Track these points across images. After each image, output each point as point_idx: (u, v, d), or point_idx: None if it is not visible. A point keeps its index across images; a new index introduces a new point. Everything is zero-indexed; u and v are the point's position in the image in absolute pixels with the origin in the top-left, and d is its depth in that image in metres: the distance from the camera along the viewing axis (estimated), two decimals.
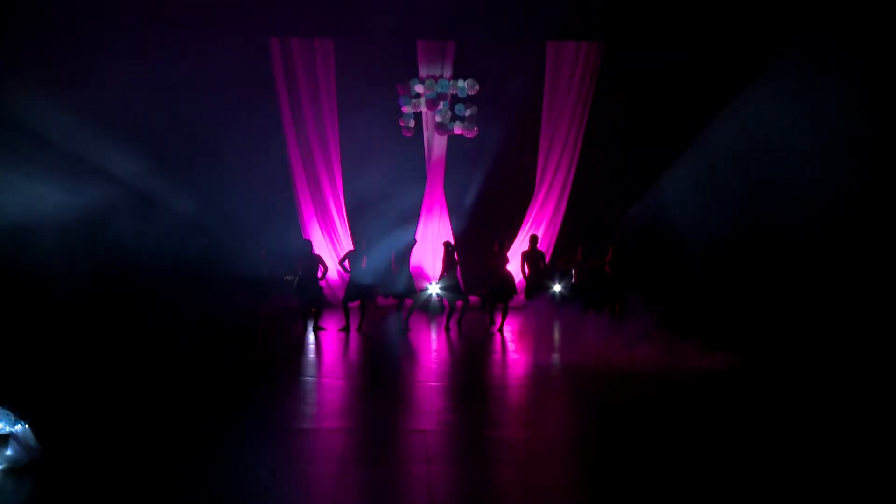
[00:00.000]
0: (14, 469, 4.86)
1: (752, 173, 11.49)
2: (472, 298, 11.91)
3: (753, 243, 11.55)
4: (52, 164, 10.32)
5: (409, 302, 11.13)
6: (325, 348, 9.78)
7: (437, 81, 13.34)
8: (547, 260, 12.14)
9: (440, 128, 13.50)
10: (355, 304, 10.77)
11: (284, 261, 11.55)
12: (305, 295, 10.73)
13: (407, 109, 13.51)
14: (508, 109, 13.77)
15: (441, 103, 13.40)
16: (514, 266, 12.09)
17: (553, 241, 13.67)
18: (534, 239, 11.54)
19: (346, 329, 10.71)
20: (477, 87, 13.42)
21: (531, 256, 11.33)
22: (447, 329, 10.82)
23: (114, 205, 10.70)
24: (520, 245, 13.61)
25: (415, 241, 11.53)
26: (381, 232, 12.75)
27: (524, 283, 11.72)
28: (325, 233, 13.48)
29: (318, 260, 10.89)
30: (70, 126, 10.43)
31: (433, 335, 10.75)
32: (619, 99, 13.36)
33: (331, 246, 13.45)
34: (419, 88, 13.40)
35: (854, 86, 10.51)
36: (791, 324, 10.16)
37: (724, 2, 12.04)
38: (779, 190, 11.12)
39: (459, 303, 10.91)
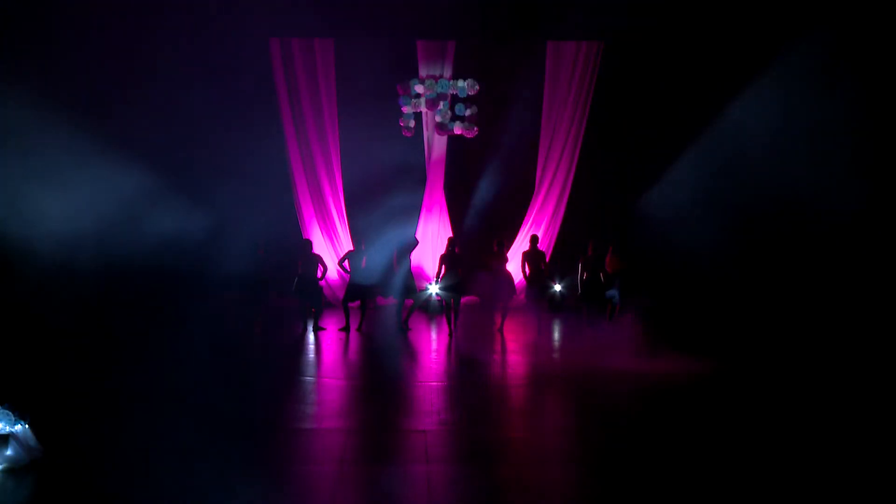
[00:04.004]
0: (14, 469, 4.87)
1: (753, 173, 11.47)
2: (472, 298, 11.90)
3: (755, 244, 11.53)
4: (51, 166, 10.32)
5: (409, 302, 11.12)
6: (325, 348, 9.78)
7: (437, 81, 13.34)
8: (547, 259, 12.10)
9: (440, 128, 13.50)
10: (355, 304, 10.77)
11: (282, 260, 11.57)
12: (305, 295, 10.73)
13: (407, 109, 13.52)
14: (508, 109, 13.79)
15: (441, 103, 13.40)
16: (514, 266, 12.09)
17: (553, 241, 13.68)
18: (534, 239, 11.49)
19: (346, 329, 10.71)
20: (477, 87, 13.42)
21: (532, 256, 11.29)
22: (451, 331, 10.61)
23: (113, 206, 10.69)
24: (520, 245, 13.62)
25: (416, 242, 11.46)
26: (380, 232, 12.75)
27: (524, 283, 11.71)
28: (324, 233, 13.49)
29: (318, 260, 10.89)
30: (69, 127, 10.42)
31: (433, 335, 10.74)
32: (619, 99, 13.37)
33: (331, 246, 13.46)
34: (419, 88, 13.40)
35: (857, 85, 10.50)
36: (792, 326, 10.17)
37: (725, 1, 12.04)
38: (780, 190, 11.10)
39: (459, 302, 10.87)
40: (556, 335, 10.85)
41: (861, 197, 10.45)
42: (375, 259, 10.67)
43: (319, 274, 10.81)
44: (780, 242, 11.33)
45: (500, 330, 10.72)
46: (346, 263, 10.85)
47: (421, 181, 13.70)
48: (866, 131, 10.66)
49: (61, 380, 7.33)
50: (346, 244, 13.21)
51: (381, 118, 13.62)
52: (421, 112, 13.58)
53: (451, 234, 13.42)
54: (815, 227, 10.83)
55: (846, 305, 10.24)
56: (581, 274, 11.00)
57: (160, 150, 11.79)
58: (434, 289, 11.18)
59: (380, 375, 8.27)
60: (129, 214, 10.96)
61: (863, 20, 10.45)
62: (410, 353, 9.71)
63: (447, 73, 13.44)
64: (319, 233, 13.43)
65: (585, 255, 11.08)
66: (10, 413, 5.02)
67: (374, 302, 12.94)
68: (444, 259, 10.76)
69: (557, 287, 11.54)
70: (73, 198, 10.31)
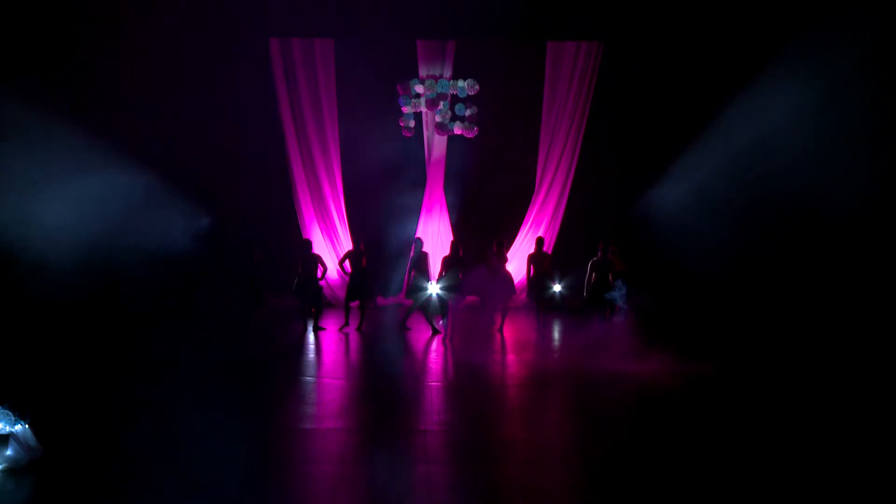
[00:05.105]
0: (14, 469, 4.87)
1: (753, 173, 11.47)
2: (472, 298, 11.87)
3: (756, 245, 11.52)
4: (49, 167, 10.31)
5: (409, 302, 11.11)
6: (325, 348, 9.78)
7: (437, 81, 13.35)
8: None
9: (440, 128, 13.50)
10: (355, 304, 10.77)
11: (281, 260, 11.58)
12: (305, 295, 10.72)
13: (407, 109, 13.52)
14: (508, 109, 13.79)
15: (441, 103, 13.40)
16: (514, 266, 12.05)
17: (553, 241, 13.66)
18: (540, 241, 11.32)
19: (346, 328, 10.68)
20: (477, 87, 13.42)
21: (537, 259, 11.15)
22: (449, 333, 10.57)
23: (110, 206, 10.68)
24: (520, 245, 13.62)
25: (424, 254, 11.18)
26: (380, 232, 12.75)
27: (524, 283, 11.68)
28: (324, 233, 13.48)
29: (318, 260, 10.88)
30: (66, 128, 10.41)
31: (433, 335, 10.72)
32: (619, 99, 13.36)
33: (331, 246, 13.46)
34: (419, 88, 13.40)
35: (860, 83, 10.49)
36: (793, 328, 10.17)
37: (725, 1, 12.04)
38: (782, 190, 11.08)
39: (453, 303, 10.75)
40: (556, 335, 10.84)
41: (864, 197, 10.43)
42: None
43: (319, 274, 10.80)
44: (782, 243, 11.31)
45: (500, 330, 10.71)
46: (346, 264, 10.84)
47: (421, 181, 13.71)
48: (869, 130, 10.64)
49: (61, 380, 7.33)
50: (346, 244, 13.20)
51: (381, 118, 13.63)
52: (421, 112, 13.58)
53: (451, 236, 13.44)
54: (817, 227, 10.82)
55: (849, 306, 10.22)
56: (589, 275, 10.85)
57: (159, 150, 11.78)
58: (434, 289, 11.13)
59: (380, 375, 8.26)
60: (126, 215, 10.95)
61: (861, 19, 10.43)
62: (410, 353, 9.71)
63: (447, 73, 13.44)
64: (319, 233, 13.43)
65: (596, 256, 10.89)
66: (10, 413, 5.02)
67: (374, 302, 12.95)
68: (447, 261, 10.75)
69: (557, 287, 11.50)
70: (71, 199, 10.30)
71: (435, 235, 13.60)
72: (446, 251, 11.58)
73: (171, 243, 11.41)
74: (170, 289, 11.24)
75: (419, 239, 11.33)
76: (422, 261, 10.89)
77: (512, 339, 10.38)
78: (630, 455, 5.47)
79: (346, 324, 10.72)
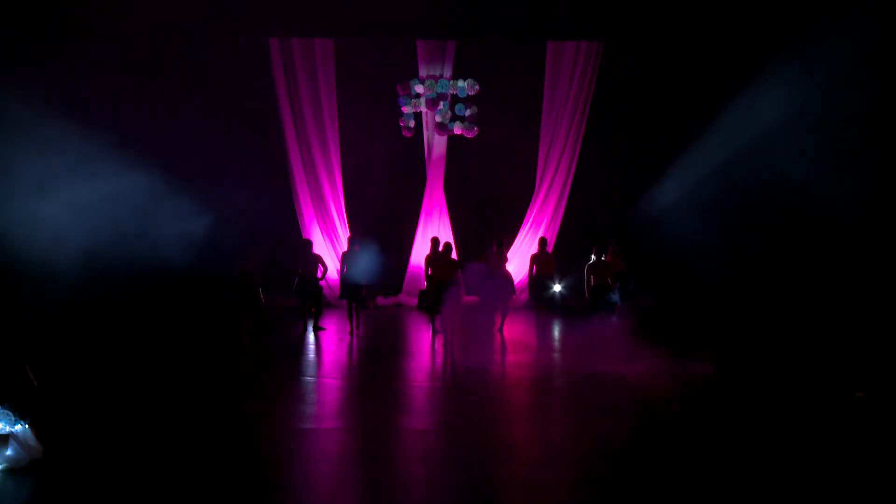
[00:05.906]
0: (14, 469, 4.87)
1: (753, 172, 11.47)
2: (472, 298, 11.88)
3: (756, 245, 11.52)
4: (49, 165, 10.31)
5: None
6: (325, 348, 9.78)
7: (437, 81, 13.35)
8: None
9: (440, 128, 13.51)
10: (352, 304, 10.75)
11: (278, 263, 11.57)
12: (305, 295, 10.71)
13: (407, 109, 13.52)
14: (508, 109, 13.80)
15: (441, 103, 13.41)
16: (514, 266, 12.04)
17: (553, 240, 13.67)
18: (543, 242, 11.26)
19: (350, 333, 10.57)
20: (477, 87, 13.42)
21: (540, 259, 11.09)
22: (449, 335, 10.51)
23: (110, 207, 10.68)
24: (520, 245, 13.62)
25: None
26: (380, 231, 12.70)
27: (524, 282, 11.67)
28: (324, 233, 13.49)
29: (318, 260, 10.87)
30: (68, 127, 10.41)
31: (433, 335, 10.72)
32: (619, 99, 13.37)
33: (331, 246, 13.47)
34: (419, 88, 13.41)
35: (859, 82, 10.49)
36: (791, 327, 10.17)
37: (725, 1, 12.04)
38: (782, 190, 11.08)
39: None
40: (556, 336, 10.84)
41: (863, 197, 10.43)
42: (367, 258, 10.66)
43: (319, 274, 10.80)
44: (782, 242, 11.31)
45: (500, 330, 10.71)
46: (345, 267, 10.75)
47: (421, 181, 13.71)
48: (869, 130, 10.64)
49: (61, 380, 7.32)
50: (346, 244, 13.21)
51: (381, 118, 13.65)
52: (421, 112, 13.59)
53: (450, 238, 13.43)
54: (818, 227, 10.82)
55: (849, 306, 10.23)
56: (588, 278, 10.78)
57: (158, 150, 11.78)
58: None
59: (379, 375, 8.26)
60: (126, 215, 10.95)
61: (860, 19, 10.43)
62: (410, 354, 9.71)
63: (447, 73, 13.45)
64: (319, 233, 13.44)
65: (589, 261, 10.81)
66: (10, 413, 5.02)
67: (375, 302, 12.94)
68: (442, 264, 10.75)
69: (557, 287, 11.50)
70: (71, 200, 10.30)
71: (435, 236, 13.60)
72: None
73: (170, 243, 11.40)
74: (169, 289, 11.23)
75: (436, 238, 11.23)
76: (439, 259, 10.81)
77: (512, 339, 10.38)
78: (630, 455, 5.47)
79: (351, 325, 10.61)
